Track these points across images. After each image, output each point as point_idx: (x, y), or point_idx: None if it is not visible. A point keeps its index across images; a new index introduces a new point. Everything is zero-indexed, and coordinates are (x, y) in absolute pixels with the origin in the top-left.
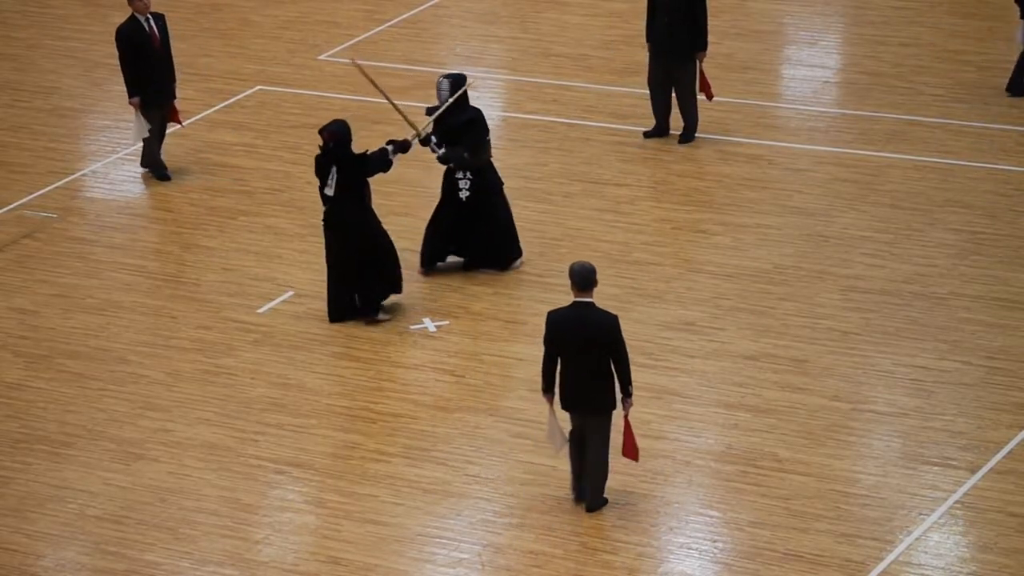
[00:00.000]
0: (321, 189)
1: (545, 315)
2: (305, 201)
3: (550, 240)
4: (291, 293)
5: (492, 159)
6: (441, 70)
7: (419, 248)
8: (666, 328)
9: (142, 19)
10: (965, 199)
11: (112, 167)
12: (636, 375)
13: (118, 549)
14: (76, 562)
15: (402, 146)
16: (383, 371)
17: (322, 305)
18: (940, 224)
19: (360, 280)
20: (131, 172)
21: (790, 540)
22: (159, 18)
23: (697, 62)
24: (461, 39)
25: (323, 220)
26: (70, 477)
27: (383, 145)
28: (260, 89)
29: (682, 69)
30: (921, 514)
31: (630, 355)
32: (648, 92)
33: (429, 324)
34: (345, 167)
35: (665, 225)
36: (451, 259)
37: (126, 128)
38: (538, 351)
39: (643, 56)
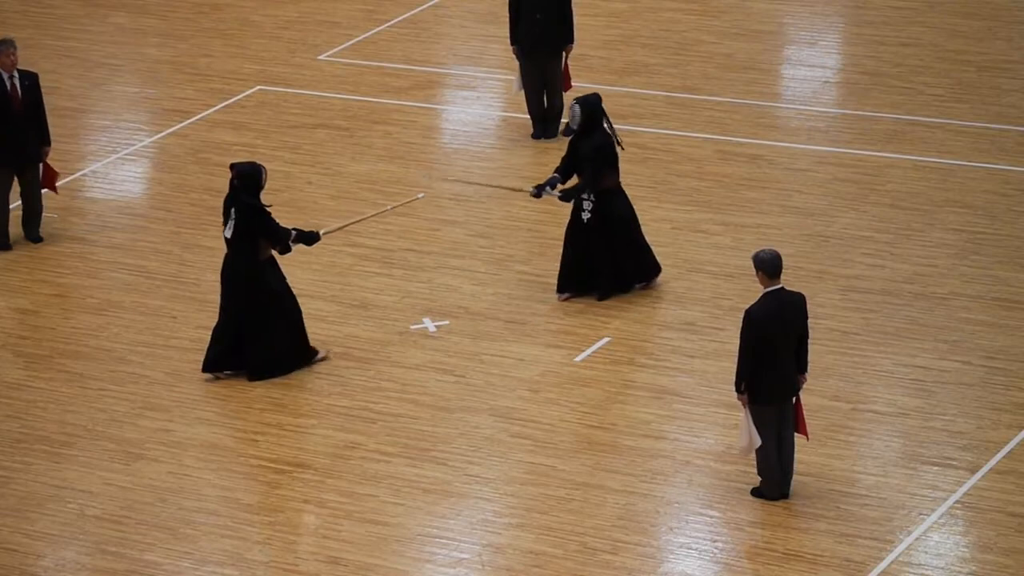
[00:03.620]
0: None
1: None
2: (305, 201)
3: (550, 240)
4: None
5: (620, 184)
6: (441, 70)
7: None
8: (666, 328)
9: (5, 76)
10: (965, 199)
11: (112, 167)
12: (635, 375)
13: (118, 549)
14: (76, 562)
15: (307, 237)
16: (383, 371)
17: (322, 305)
18: (940, 224)
19: (246, 343)
20: (131, 172)
21: (790, 540)
22: (29, 77)
23: (565, 56)
24: (461, 39)
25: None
26: (70, 477)
27: (291, 228)
28: (260, 89)
29: (554, 64)
30: (921, 514)
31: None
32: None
33: (429, 324)
34: (241, 213)
35: (665, 225)
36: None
37: (125, 128)
38: (538, 351)
39: (643, 56)
